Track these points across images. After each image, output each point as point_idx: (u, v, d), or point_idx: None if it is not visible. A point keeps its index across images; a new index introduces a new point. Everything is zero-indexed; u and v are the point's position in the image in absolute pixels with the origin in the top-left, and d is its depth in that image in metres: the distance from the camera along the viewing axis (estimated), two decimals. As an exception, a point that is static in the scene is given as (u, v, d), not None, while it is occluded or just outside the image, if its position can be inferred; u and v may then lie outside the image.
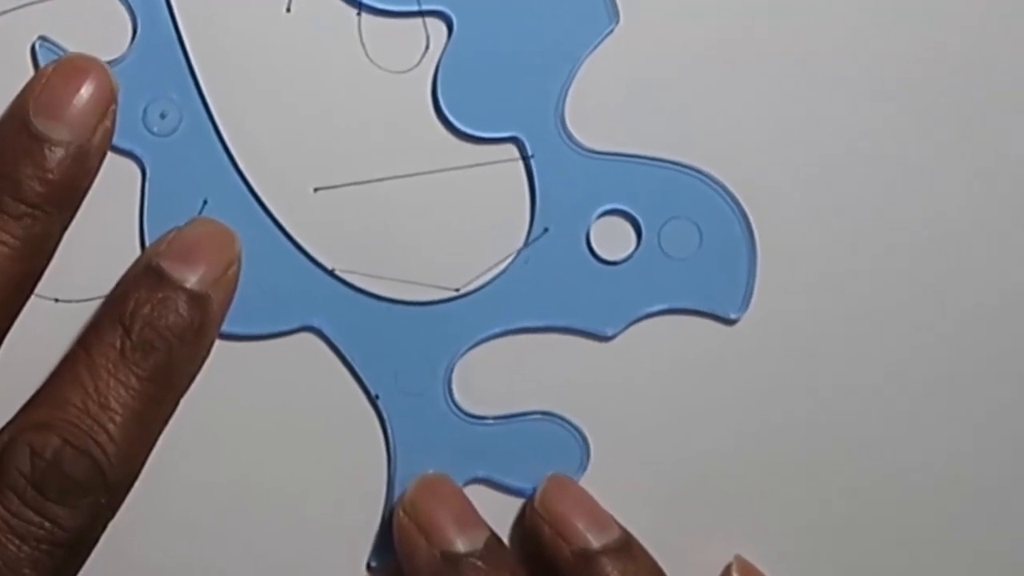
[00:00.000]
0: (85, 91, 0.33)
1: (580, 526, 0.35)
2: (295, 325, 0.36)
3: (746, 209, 0.36)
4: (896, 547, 0.38)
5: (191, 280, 0.33)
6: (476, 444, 0.37)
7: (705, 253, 0.36)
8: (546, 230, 0.36)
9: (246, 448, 0.37)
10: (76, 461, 0.32)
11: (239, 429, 0.36)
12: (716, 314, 0.37)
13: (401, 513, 0.35)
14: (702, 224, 0.36)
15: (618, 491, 0.37)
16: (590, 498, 0.36)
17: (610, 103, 0.36)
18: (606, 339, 0.37)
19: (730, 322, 0.37)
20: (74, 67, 0.33)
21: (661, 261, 0.36)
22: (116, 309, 0.33)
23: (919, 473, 0.38)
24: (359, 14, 0.35)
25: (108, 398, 0.32)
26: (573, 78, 0.36)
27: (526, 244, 0.36)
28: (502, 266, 0.36)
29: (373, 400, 0.37)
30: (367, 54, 0.35)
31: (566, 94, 0.36)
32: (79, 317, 0.35)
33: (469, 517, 0.35)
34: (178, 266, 0.33)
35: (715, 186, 0.36)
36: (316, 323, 0.36)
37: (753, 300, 0.37)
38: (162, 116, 0.35)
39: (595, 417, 0.37)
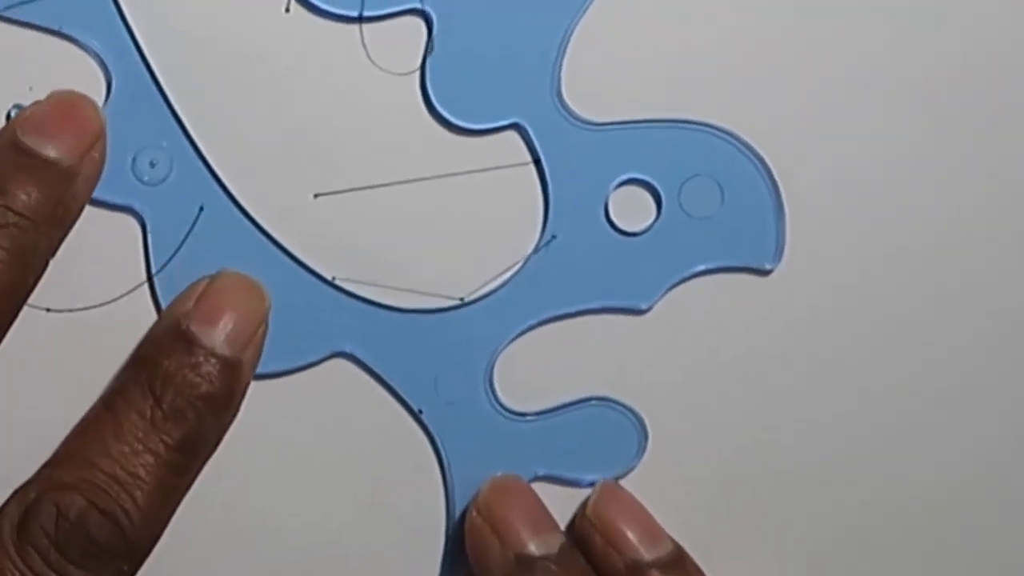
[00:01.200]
0: (73, 119, 0.33)
1: (632, 537, 0.35)
2: (325, 353, 0.35)
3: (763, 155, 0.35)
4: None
5: (222, 345, 0.33)
6: (529, 441, 0.36)
7: (729, 208, 0.35)
8: (554, 237, 0.35)
9: (293, 487, 0.36)
10: (101, 525, 0.32)
11: (281, 469, 0.36)
12: (750, 267, 0.36)
13: (475, 513, 0.35)
14: (721, 179, 0.35)
15: (678, 465, 0.36)
16: (643, 509, 0.36)
17: (606, 71, 0.35)
18: (642, 312, 0.36)
19: (765, 273, 0.36)
20: (63, 97, 0.33)
21: (685, 223, 0.35)
22: (145, 374, 0.33)
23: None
24: (360, 14, 0.34)
25: (136, 465, 0.32)
26: (564, 52, 0.35)
27: (545, 227, 0.35)
28: (521, 262, 0.35)
29: (417, 415, 0.36)
30: (368, 56, 0.35)
31: (560, 69, 0.35)
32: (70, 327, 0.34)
33: (544, 520, 0.35)
34: (208, 330, 0.33)
35: (728, 138, 0.35)
36: (348, 348, 0.35)
37: (787, 248, 0.36)
38: (152, 165, 0.34)
39: (645, 394, 0.36)
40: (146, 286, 0.35)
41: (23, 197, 0.32)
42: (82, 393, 0.34)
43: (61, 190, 0.32)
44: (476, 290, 0.35)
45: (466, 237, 0.35)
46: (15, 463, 0.33)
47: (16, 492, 0.32)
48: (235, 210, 0.35)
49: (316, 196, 0.35)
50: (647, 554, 0.34)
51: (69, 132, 0.33)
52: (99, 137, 0.33)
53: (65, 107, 0.33)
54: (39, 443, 0.33)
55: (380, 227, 0.35)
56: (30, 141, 0.32)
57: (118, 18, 0.34)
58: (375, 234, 0.35)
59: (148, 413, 0.32)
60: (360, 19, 0.35)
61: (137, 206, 0.34)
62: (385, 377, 0.36)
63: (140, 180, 0.34)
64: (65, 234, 0.33)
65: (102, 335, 0.34)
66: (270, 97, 0.35)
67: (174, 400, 0.32)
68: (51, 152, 0.32)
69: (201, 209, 0.34)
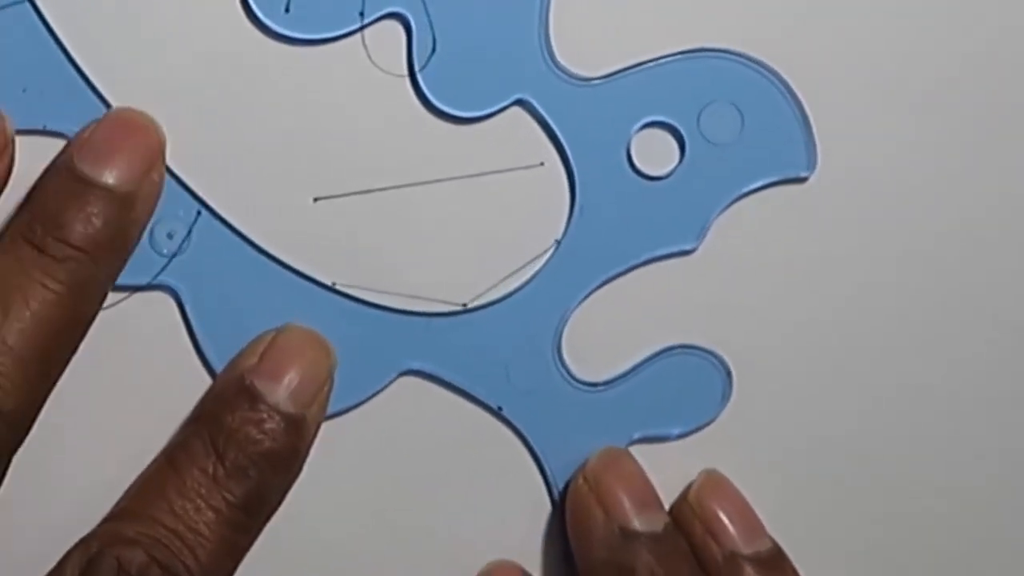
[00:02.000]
0: (131, 140, 0.32)
1: (732, 530, 0.34)
2: (392, 376, 0.35)
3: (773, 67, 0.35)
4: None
5: (286, 401, 0.32)
6: (614, 409, 0.35)
7: (751, 127, 0.35)
8: (557, 243, 0.35)
9: (389, 514, 0.35)
10: None
11: (374, 499, 0.35)
12: (787, 178, 0.35)
13: (581, 481, 0.34)
14: (737, 100, 0.35)
15: (767, 403, 0.36)
16: (745, 502, 0.35)
17: (593, 22, 0.34)
18: (691, 252, 0.35)
19: (802, 181, 0.35)
20: (120, 118, 0.32)
21: (712, 153, 0.35)
22: (207, 430, 0.32)
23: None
24: (361, 13, 0.34)
25: (197, 522, 0.31)
26: (548, 16, 0.34)
27: (573, 195, 0.35)
28: (546, 257, 0.35)
29: (498, 412, 0.35)
30: (370, 57, 0.34)
31: (548, 34, 0.34)
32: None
33: (650, 498, 0.34)
34: (272, 386, 0.32)
35: (733, 58, 0.35)
36: (416, 365, 0.35)
37: (819, 153, 0.35)
38: (169, 236, 0.34)
39: (716, 335, 0.35)
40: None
41: (80, 229, 0.31)
42: (141, 446, 0.34)
43: (119, 218, 0.32)
44: (468, 303, 0.34)
45: (474, 239, 0.35)
46: (75, 514, 0.33)
47: (79, 544, 0.32)
48: (267, 261, 0.34)
49: (316, 200, 0.34)
50: (745, 548, 0.34)
51: (127, 156, 0.32)
52: (158, 157, 0.32)
53: (122, 129, 0.32)
54: (98, 494, 0.33)
55: (383, 230, 0.34)
56: (87, 169, 0.32)
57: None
58: (382, 238, 0.34)
59: (210, 469, 0.32)
60: (361, 28, 0.34)
61: (170, 281, 0.34)
62: (457, 383, 0.35)
63: (161, 253, 0.34)
64: (125, 261, 0.33)
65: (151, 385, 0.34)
66: (266, 101, 0.34)
67: (236, 457, 0.32)
68: (109, 179, 0.32)
69: (199, 213, 0.34)
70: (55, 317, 0.31)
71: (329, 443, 0.34)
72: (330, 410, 0.34)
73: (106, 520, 0.32)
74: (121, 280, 0.33)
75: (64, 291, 0.31)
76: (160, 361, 0.34)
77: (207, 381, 0.34)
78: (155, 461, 0.33)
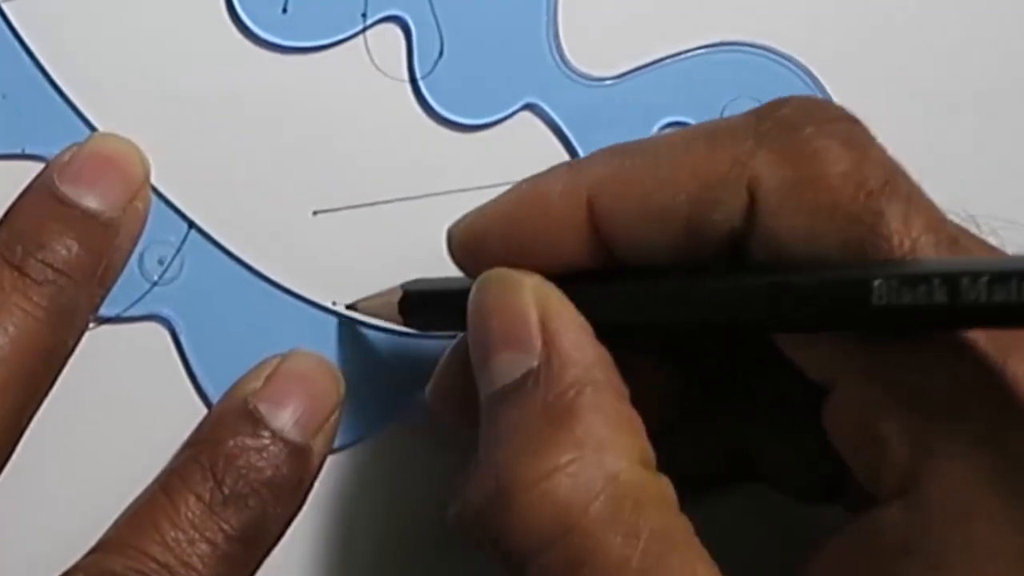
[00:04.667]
0: (113, 166, 0.31)
1: None
2: (404, 406, 0.33)
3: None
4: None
5: (291, 429, 0.31)
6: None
7: None
8: None
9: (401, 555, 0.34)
10: None
11: (386, 537, 0.34)
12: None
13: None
14: (761, 96, 0.32)
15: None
16: None
17: (604, 19, 0.33)
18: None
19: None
20: (102, 142, 0.32)
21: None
22: (206, 454, 0.31)
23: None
24: (364, 15, 0.33)
25: (191, 556, 0.30)
26: (556, 14, 0.33)
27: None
28: None
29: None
30: (373, 61, 0.33)
31: (557, 33, 0.33)
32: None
33: None
34: (276, 411, 0.31)
35: (753, 51, 0.33)
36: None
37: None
38: (160, 263, 0.32)
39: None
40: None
41: (63, 252, 0.30)
42: (132, 474, 0.32)
43: (102, 244, 0.31)
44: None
45: None
46: (59, 545, 0.31)
47: None
48: (260, 282, 0.33)
49: (315, 214, 0.33)
50: None
51: (109, 181, 0.31)
52: (142, 186, 0.32)
53: (104, 153, 0.31)
54: (85, 523, 0.31)
55: (386, 246, 0.33)
56: (68, 190, 0.31)
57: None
58: (385, 254, 0.33)
59: (207, 496, 0.30)
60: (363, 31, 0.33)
61: (162, 311, 0.32)
62: None
63: (151, 281, 0.32)
64: (107, 292, 0.31)
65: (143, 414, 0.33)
66: (259, 111, 0.33)
67: (236, 484, 0.30)
68: (91, 203, 0.31)
69: (188, 234, 0.32)
70: (35, 342, 0.30)
71: (334, 476, 0.33)
72: (337, 444, 0.32)
73: (92, 551, 0.31)
74: (111, 311, 0.32)
75: (44, 316, 0.30)
76: (152, 387, 0.33)
77: (202, 411, 0.32)
78: (148, 488, 0.31)
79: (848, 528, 0.25)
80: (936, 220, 0.24)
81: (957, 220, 0.26)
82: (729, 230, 0.25)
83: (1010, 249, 0.27)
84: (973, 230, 0.26)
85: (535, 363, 0.26)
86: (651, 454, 0.26)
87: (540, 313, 0.26)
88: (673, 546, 0.24)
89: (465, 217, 0.29)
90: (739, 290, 0.24)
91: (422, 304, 0.30)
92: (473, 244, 0.28)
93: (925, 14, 0.34)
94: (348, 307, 0.32)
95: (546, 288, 0.27)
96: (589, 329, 0.26)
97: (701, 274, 0.25)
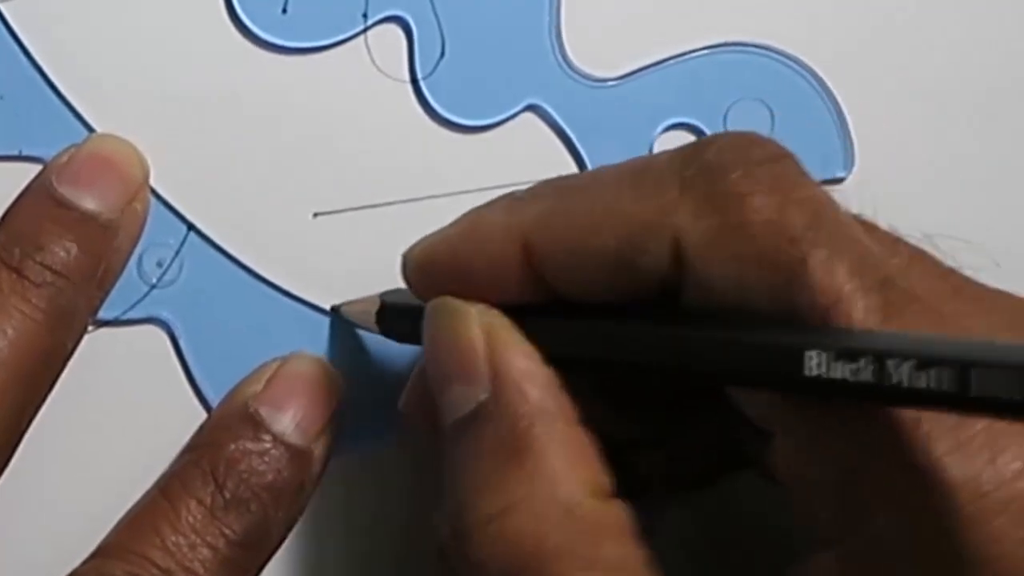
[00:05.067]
0: (112, 167, 0.31)
1: None
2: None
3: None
4: None
5: (292, 432, 0.31)
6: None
7: (783, 125, 0.33)
8: None
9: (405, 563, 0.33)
10: None
11: (388, 543, 0.33)
12: (822, 179, 0.33)
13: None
14: (766, 97, 0.34)
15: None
16: None
17: (608, 20, 0.33)
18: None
19: (838, 181, 0.34)
20: (100, 143, 0.31)
21: (741, 154, 0.33)
22: (207, 458, 0.31)
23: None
24: (365, 15, 0.32)
25: (192, 561, 0.30)
26: (559, 13, 0.33)
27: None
28: None
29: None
30: (374, 62, 0.33)
31: (560, 33, 0.33)
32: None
33: None
34: (277, 415, 0.31)
35: (758, 51, 0.33)
36: None
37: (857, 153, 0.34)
38: (159, 265, 0.32)
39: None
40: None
41: (61, 254, 0.30)
42: (131, 478, 0.32)
43: (101, 246, 0.31)
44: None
45: None
46: (59, 550, 0.31)
47: None
48: (263, 286, 0.32)
49: (315, 216, 0.33)
50: None
51: (108, 182, 0.31)
52: (141, 187, 0.31)
53: (103, 154, 0.31)
54: (85, 527, 0.31)
55: (387, 248, 0.32)
56: (66, 192, 0.30)
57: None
58: (386, 256, 0.32)
59: (208, 500, 0.30)
60: (364, 31, 0.32)
61: (162, 314, 0.32)
62: None
63: (150, 284, 0.32)
64: (106, 295, 0.31)
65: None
66: (258, 112, 0.32)
67: (237, 488, 0.30)
68: (90, 205, 0.30)
69: (187, 236, 0.32)
70: (34, 344, 0.30)
71: (336, 481, 0.32)
72: (337, 448, 0.32)
73: (92, 556, 0.31)
74: (110, 314, 0.32)
75: (42, 318, 0.30)
76: (151, 391, 0.32)
77: (202, 415, 0.32)
78: (148, 492, 0.31)
79: (787, 573, 0.25)
80: (862, 262, 0.24)
81: (913, 241, 0.26)
82: (659, 275, 0.25)
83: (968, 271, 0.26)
84: (931, 250, 0.26)
85: (484, 396, 0.26)
86: (607, 480, 0.25)
87: (487, 344, 0.26)
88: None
89: (419, 243, 0.29)
90: (674, 339, 0.24)
91: (397, 316, 0.30)
92: (425, 270, 0.28)
93: (926, 14, 0.34)
94: (332, 309, 0.32)
95: (492, 317, 0.26)
96: (537, 356, 0.26)
97: (637, 320, 0.25)
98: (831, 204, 0.25)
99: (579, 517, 0.24)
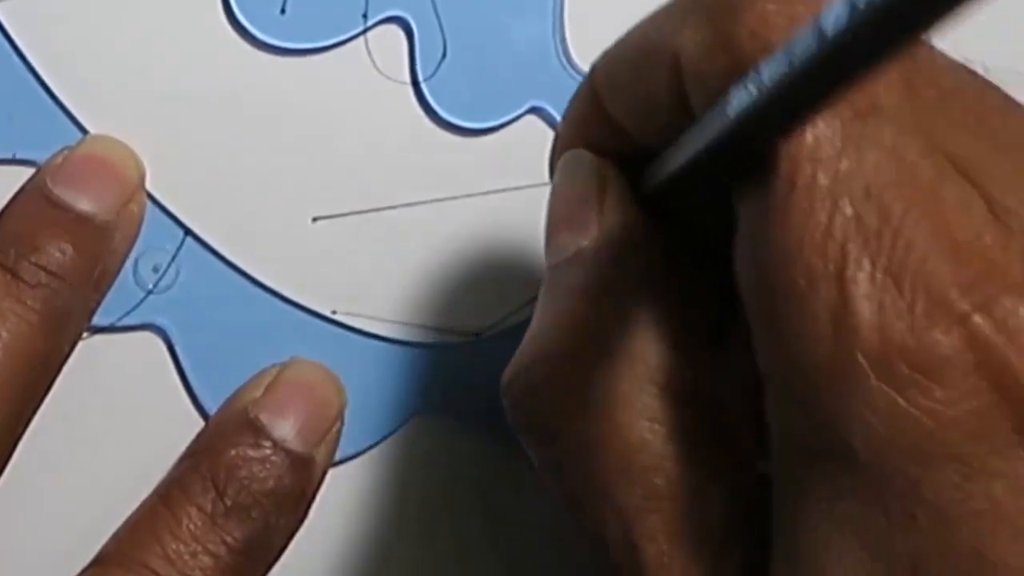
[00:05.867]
0: (107, 168, 0.31)
1: None
2: (404, 416, 0.33)
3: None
4: None
5: (293, 439, 0.31)
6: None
7: None
8: None
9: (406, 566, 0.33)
10: None
11: (388, 546, 0.33)
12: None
13: None
14: None
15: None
16: None
17: (613, 20, 0.31)
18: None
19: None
20: (95, 144, 0.31)
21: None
22: (206, 464, 0.30)
23: None
24: (365, 15, 0.32)
25: (192, 568, 0.29)
26: (563, 16, 0.33)
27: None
28: None
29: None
30: (375, 64, 0.32)
31: (564, 35, 0.33)
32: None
33: None
34: (278, 421, 0.31)
35: None
36: (426, 404, 0.33)
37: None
38: (155, 270, 0.32)
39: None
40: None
41: (56, 254, 0.30)
42: (128, 486, 0.31)
43: (97, 247, 0.30)
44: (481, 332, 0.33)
45: (486, 262, 0.33)
46: (56, 559, 0.31)
47: None
48: (260, 291, 0.32)
49: (314, 220, 0.32)
50: None
51: (103, 183, 0.31)
52: (137, 189, 0.31)
53: (98, 155, 0.31)
54: (82, 536, 0.31)
55: (387, 253, 0.33)
56: (61, 192, 0.30)
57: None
58: (386, 261, 0.33)
59: (209, 508, 0.30)
60: (364, 32, 0.32)
61: (158, 321, 0.32)
62: (471, 421, 0.33)
63: (146, 289, 0.32)
64: (102, 297, 0.31)
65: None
66: (257, 114, 0.32)
67: (238, 495, 0.30)
68: (85, 205, 0.30)
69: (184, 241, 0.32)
70: (29, 347, 0.30)
71: (336, 487, 0.32)
72: (338, 456, 0.32)
73: (92, 565, 0.30)
74: (105, 320, 0.32)
75: (37, 320, 0.30)
76: (147, 398, 0.32)
77: (199, 422, 0.32)
78: (147, 500, 0.31)
79: None
80: None
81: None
82: (675, 99, 0.24)
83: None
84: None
85: (586, 242, 0.25)
86: (688, 340, 0.24)
87: (598, 194, 0.26)
88: (697, 436, 0.23)
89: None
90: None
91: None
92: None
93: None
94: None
95: (607, 170, 0.26)
96: (643, 217, 0.25)
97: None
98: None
99: (651, 369, 0.24)
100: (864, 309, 0.20)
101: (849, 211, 0.20)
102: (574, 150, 0.27)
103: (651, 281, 0.25)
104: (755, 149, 0.21)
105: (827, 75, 0.18)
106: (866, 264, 0.20)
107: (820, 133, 0.21)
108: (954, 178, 0.21)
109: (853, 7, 0.17)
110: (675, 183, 0.24)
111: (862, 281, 0.20)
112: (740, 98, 0.20)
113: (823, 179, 0.21)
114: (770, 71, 0.19)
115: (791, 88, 0.19)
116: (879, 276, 0.20)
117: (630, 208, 0.26)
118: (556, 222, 0.26)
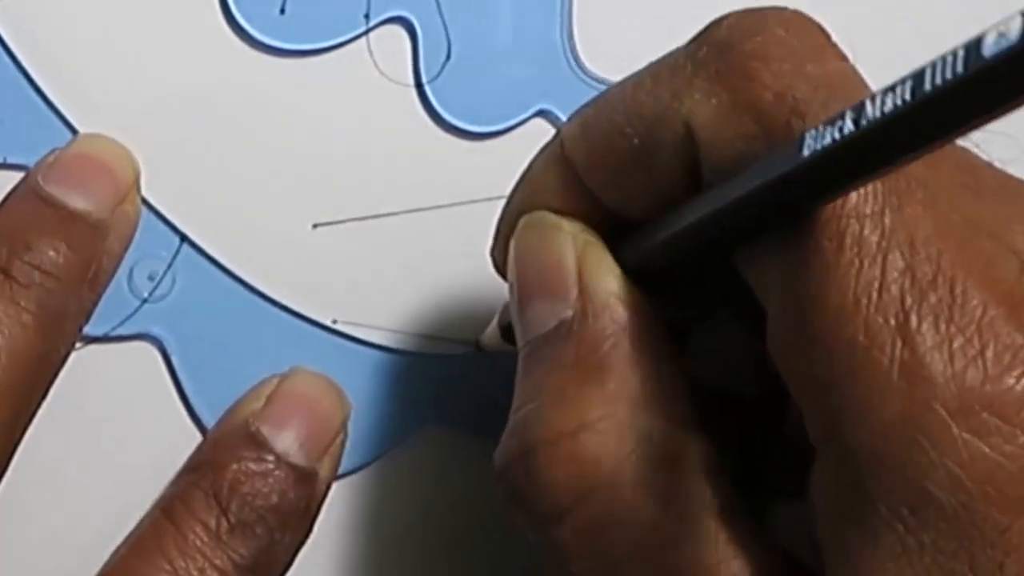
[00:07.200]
0: (101, 166, 0.31)
1: None
2: (410, 428, 0.33)
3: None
4: None
5: (296, 452, 0.30)
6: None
7: None
8: None
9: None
10: None
11: (393, 560, 0.33)
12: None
13: None
14: None
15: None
16: None
17: (622, 21, 0.33)
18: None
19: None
20: (88, 142, 0.31)
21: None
22: (208, 479, 0.30)
23: None
24: (366, 15, 0.32)
25: None
26: (572, 17, 0.32)
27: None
28: None
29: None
30: (377, 66, 0.32)
31: (573, 36, 0.33)
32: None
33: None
34: (279, 433, 0.30)
35: None
36: (429, 415, 0.33)
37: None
38: (151, 279, 0.32)
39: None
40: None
41: (50, 253, 0.29)
42: (125, 501, 0.31)
43: (92, 247, 0.30)
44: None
45: (489, 270, 0.32)
46: (48, 569, 0.31)
47: None
48: (257, 299, 0.32)
49: (315, 227, 0.32)
50: None
51: (97, 182, 0.30)
52: (131, 188, 0.31)
53: (91, 154, 0.31)
54: (80, 552, 0.31)
55: (389, 261, 0.33)
56: (53, 190, 0.30)
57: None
58: (388, 269, 0.33)
59: (213, 524, 0.30)
60: (366, 33, 0.32)
61: (153, 331, 0.32)
62: (474, 433, 0.33)
63: (141, 298, 0.31)
64: (98, 299, 0.31)
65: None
66: (255, 118, 0.32)
67: (242, 511, 0.30)
68: (78, 204, 0.30)
69: (182, 241, 0.32)
70: (25, 348, 0.29)
71: (340, 501, 0.32)
72: (340, 469, 0.32)
73: None
74: (99, 330, 0.31)
75: (32, 320, 0.29)
76: (142, 410, 0.32)
77: (195, 434, 0.32)
78: (150, 514, 0.31)
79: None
80: None
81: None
82: (682, 168, 0.24)
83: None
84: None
85: (569, 313, 0.25)
86: (690, 411, 0.24)
87: (578, 261, 0.26)
88: (710, 512, 0.23)
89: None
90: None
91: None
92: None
93: (927, 15, 0.34)
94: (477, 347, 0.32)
95: (585, 235, 0.26)
96: (626, 280, 0.25)
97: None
98: (848, 76, 0.23)
99: (659, 443, 0.24)
100: (936, 360, 0.20)
101: (901, 264, 0.21)
102: (539, 212, 0.27)
103: (643, 351, 0.25)
104: (792, 212, 0.21)
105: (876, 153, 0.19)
106: (928, 315, 0.20)
107: (860, 189, 0.21)
108: (982, 229, 0.21)
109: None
110: (674, 253, 0.24)
111: (927, 332, 0.20)
112: (783, 161, 0.21)
113: (871, 234, 0.21)
114: (817, 139, 0.20)
115: (844, 158, 0.20)
116: (943, 326, 0.20)
117: (617, 276, 0.25)
118: (528, 291, 0.26)
